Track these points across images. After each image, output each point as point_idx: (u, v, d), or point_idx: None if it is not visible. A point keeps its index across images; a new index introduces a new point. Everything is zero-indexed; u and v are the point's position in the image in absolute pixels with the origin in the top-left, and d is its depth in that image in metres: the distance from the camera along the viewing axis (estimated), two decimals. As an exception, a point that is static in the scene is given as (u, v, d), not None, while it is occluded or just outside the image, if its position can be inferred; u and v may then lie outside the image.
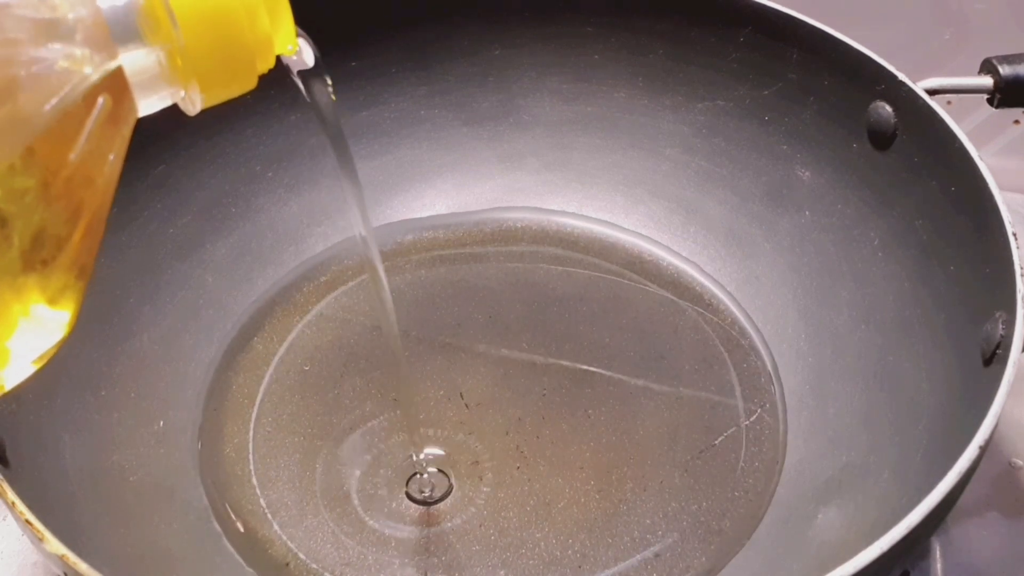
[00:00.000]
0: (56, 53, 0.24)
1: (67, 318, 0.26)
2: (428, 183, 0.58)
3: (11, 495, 0.33)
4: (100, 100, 0.25)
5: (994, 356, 0.37)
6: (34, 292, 0.25)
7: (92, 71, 0.24)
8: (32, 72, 0.23)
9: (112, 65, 0.25)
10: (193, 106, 0.27)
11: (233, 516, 0.44)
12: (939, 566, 0.44)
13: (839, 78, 0.48)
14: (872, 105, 0.47)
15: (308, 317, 0.53)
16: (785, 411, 0.48)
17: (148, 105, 0.26)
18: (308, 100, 0.32)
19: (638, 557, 0.43)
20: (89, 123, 0.25)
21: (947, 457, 0.34)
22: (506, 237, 0.56)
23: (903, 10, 0.67)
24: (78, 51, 0.24)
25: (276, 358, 0.51)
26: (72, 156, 0.24)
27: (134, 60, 0.25)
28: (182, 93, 0.27)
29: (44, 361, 0.27)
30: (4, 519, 0.46)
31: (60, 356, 0.29)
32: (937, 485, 0.32)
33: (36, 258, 0.24)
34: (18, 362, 0.26)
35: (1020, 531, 0.45)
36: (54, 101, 0.24)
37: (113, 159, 0.26)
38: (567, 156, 0.58)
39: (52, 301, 0.25)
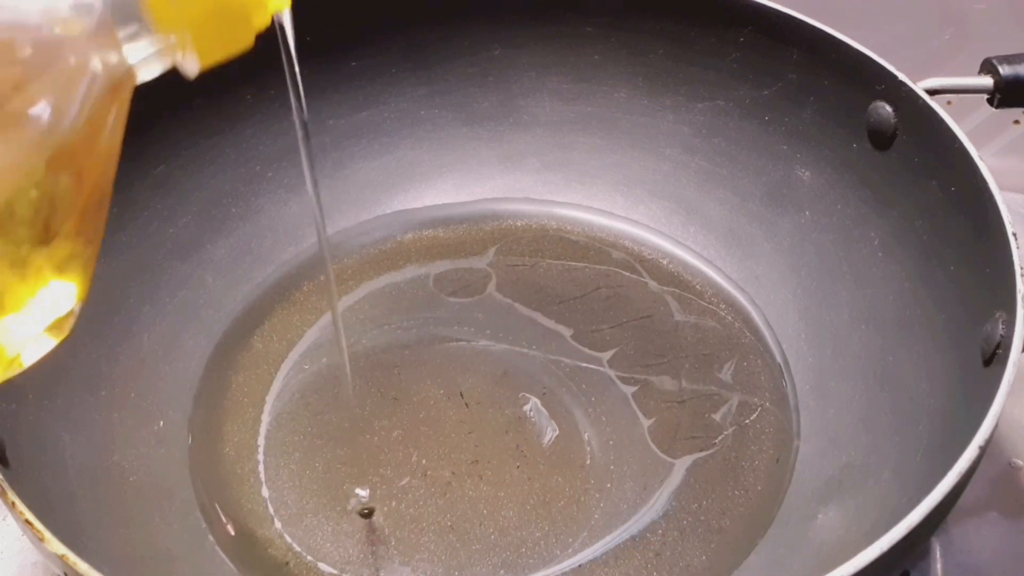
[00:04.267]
0: (50, 21, 0.24)
1: (76, 287, 0.26)
2: (428, 183, 0.58)
3: (11, 495, 0.33)
4: (96, 65, 0.24)
5: (994, 356, 0.37)
6: (41, 261, 0.25)
7: (86, 38, 0.24)
8: (28, 41, 0.23)
9: (106, 31, 0.25)
10: (191, 67, 0.27)
11: (231, 516, 0.44)
12: (939, 566, 0.44)
13: (839, 78, 0.48)
14: (872, 105, 0.47)
15: (308, 316, 0.52)
16: (785, 411, 0.48)
17: (145, 67, 0.26)
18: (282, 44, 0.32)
19: (638, 556, 0.43)
20: (83, 89, 0.24)
21: (947, 457, 0.34)
22: (506, 235, 0.56)
23: (903, 10, 0.67)
24: (71, 18, 0.24)
25: (275, 357, 0.51)
26: (69, 123, 0.24)
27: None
28: (179, 54, 0.26)
29: (62, 334, 0.27)
30: (4, 519, 0.46)
31: (60, 356, 0.29)
32: (937, 485, 0.32)
33: (40, 226, 0.24)
34: (30, 329, 0.26)
35: (1020, 531, 0.45)
36: (52, 71, 0.23)
37: (113, 123, 0.25)
38: (567, 156, 0.58)
39: (60, 269, 0.25)
